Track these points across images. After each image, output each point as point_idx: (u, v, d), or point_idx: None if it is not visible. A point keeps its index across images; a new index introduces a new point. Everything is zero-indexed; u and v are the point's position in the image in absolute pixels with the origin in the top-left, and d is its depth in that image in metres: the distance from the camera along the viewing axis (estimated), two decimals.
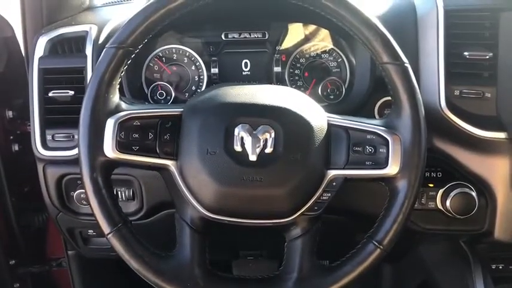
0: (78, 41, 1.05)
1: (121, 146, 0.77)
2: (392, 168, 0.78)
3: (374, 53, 0.79)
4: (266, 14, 1.11)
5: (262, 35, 1.12)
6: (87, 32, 1.05)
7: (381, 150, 0.79)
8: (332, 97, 1.10)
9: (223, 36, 1.12)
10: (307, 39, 1.14)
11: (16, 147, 1.31)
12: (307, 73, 1.13)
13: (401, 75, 0.78)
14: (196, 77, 1.13)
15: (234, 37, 1.12)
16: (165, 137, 0.79)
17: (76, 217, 1.09)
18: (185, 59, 1.13)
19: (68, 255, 1.34)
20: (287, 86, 1.12)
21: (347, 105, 1.06)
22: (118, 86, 0.80)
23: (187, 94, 1.13)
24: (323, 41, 1.14)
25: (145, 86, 1.12)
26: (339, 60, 1.13)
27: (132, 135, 0.78)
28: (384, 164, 0.79)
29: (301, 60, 1.13)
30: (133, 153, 0.78)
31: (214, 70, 1.12)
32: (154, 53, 1.12)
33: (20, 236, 1.36)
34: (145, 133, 0.79)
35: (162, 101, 1.10)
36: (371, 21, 0.78)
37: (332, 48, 1.14)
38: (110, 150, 0.76)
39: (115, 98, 0.79)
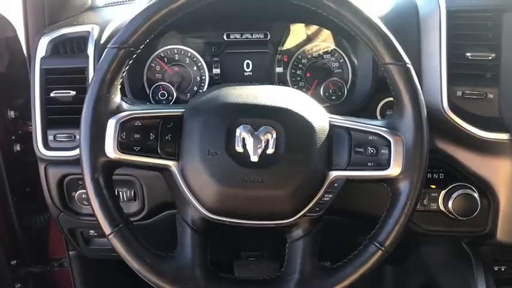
0: (80, 41, 1.05)
1: (122, 147, 0.77)
2: (394, 170, 0.78)
3: (376, 54, 0.79)
4: (268, 14, 1.10)
5: (264, 35, 1.11)
6: (89, 32, 1.05)
7: (382, 151, 0.79)
8: (334, 98, 1.10)
9: (225, 37, 1.11)
10: (309, 39, 1.13)
11: (18, 148, 1.31)
12: (309, 74, 1.13)
13: (403, 75, 0.78)
14: (198, 77, 1.12)
15: (235, 37, 1.11)
16: (167, 137, 0.79)
17: (77, 217, 1.09)
18: (187, 59, 1.13)
19: (69, 255, 1.34)
20: (289, 86, 1.12)
21: (349, 106, 1.06)
22: (119, 86, 0.80)
23: (189, 94, 1.13)
24: (325, 42, 1.13)
25: (147, 86, 1.11)
26: (341, 61, 1.13)
27: (133, 136, 0.78)
28: (385, 165, 0.78)
29: (303, 61, 1.13)
30: (135, 153, 0.78)
31: (216, 70, 1.12)
32: (156, 53, 1.12)
33: (21, 236, 1.36)
34: (147, 133, 0.79)
35: (164, 102, 1.10)
36: (373, 21, 0.78)
37: (334, 49, 1.13)
38: (111, 150, 0.76)
39: (116, 98, 0.79)
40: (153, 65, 1.12)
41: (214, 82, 1.12)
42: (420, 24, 1.02)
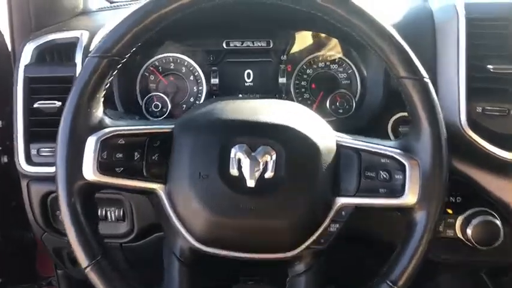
0: (68, 48, 1.00)
1: (103, 167, 0.70)
2: (409, 198, 0.70)
3: (390, 66, 0.72)
4: (271, 20, 1.04)
5: (267, 43, 1.05)
6: (77, 38, 0.99)
7: (396, 176, 0.71)
8: (341, 111, 1.04)
9: (224, 45, 1.05)
10: (314, 48, 1.08)
11: (5, 159, 1.25)
12: (315, 85, 1.07)
13: (420, 91, 0.71)
14: (194, 88, 1.06)
15: (236, 45, 1.05)
16: (153, 157, 0.72)
17: (62, 238, 1.02)
18: (183, 68, 1.06)
19: (57, 274, 1.28)
20: (293, 98, 1.07)
21: (357, 121, 1.00)
22: (102, 99, 0.73)
23: (184, 106, 1.07)
24: (332, 51, 1.08)
25: (140, 97, 1.05)
26: (349, 72, 1.07)
27: (115, 155, 0.71)
28: (399, 192, 0.71)
29: (308, 71, 1.07)
30: (117, 175, 0.71)
31: (215, 81, 1.05)
32: (150, 61, 1.06)
33: (8, 252, 1.29)
34: (131, 153, 0.72)
35: (158, 114, 1.04)
36: (387, 30, 0.71)
37: (342, 59, 1.07)
38: (90, 172, 0.69)
39: (98, 112, 0.72)
40: (147, 74, 1.06)
41: (213, 93, 1.06)
42: (436, 32, 0.96)
